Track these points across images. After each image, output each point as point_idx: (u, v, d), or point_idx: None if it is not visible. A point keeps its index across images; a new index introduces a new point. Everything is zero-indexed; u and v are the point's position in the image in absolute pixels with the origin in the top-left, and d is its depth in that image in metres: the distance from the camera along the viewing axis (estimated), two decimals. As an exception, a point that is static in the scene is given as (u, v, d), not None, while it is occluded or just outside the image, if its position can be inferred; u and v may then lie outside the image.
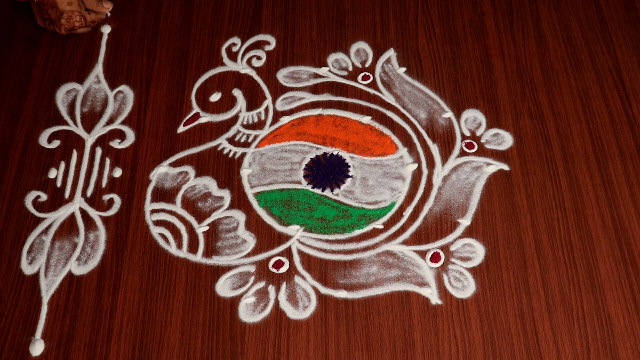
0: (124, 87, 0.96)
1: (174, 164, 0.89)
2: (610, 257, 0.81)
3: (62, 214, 0.85)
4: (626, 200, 0.86)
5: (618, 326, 0.77)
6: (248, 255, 0.82)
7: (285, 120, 0.93)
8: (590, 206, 0.85)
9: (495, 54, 0.98)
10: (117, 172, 0.88)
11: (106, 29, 1.01)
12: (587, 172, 0.88)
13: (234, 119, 0.93)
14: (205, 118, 0.93)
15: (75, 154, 0.90)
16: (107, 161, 0.89)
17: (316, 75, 0.97)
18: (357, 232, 0.84)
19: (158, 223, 0.85)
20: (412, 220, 0.85)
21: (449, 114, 0.93)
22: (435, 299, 0.79)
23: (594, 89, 0.94)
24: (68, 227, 0.84)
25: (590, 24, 1.01)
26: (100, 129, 0.92)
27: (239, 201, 0.86)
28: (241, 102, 0.94)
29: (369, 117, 0.93)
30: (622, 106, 0.93)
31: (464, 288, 0.80)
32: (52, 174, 0.88)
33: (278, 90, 0.95)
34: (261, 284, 0.80)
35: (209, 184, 0.87)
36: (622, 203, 0.85)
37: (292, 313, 0.78)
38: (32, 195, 0.86)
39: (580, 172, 0.88)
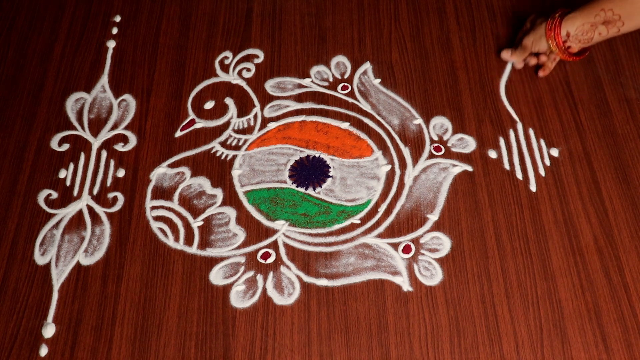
0: (127, 96, 0.95)
1: (171, 165, 0.88)
2: (561, 248, 0.82)
3: (71, 210, 0.84)
4: (575, 198, 0.86)
5: (567, 309, 0.78)
6: (238, 247, 0.82)
7: (272, 125, 0.92)
8: (543, 203, 0.85)
9: (460, 67, 0.98)
10: (121, 173, 0.88)
11: (111, 44, 1.00)
12: (541, 172, 0.88)
13: (226, 125, 0.92)
14: (200, 124, 0.92)
15: (83, 156, 0.89)
16: (112, 163, 0.88)
17: (300, 86, 0.96)
18: (336, 226, 0.84)
19: (157, 218, 0.84)
20: (386, 216, 0.85)
21: (419, 120, 0.93)
22: (406, 286, 0.79)
23: (546, 98, 0.94)
24: (76, 222, 0.83)
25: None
26: (105, 134, 0.91)
27: (231, 199, 0.86)
28: (232, 110, 0.94)
29: (348, 123, 0.92)
30: (572, 114, 0.93)
31: (432, 276, 0.80)
32: (62, 174, 0.87)
33: (266, 99, 0.95)
34: (250, 274, 0.80)
35: (203, 183, 0.87)
36: (571, 200, 0.86)
37: (278, 299, 0.78)
38: (44, 194, 0.85)
39: (535, 173, 0.88)
